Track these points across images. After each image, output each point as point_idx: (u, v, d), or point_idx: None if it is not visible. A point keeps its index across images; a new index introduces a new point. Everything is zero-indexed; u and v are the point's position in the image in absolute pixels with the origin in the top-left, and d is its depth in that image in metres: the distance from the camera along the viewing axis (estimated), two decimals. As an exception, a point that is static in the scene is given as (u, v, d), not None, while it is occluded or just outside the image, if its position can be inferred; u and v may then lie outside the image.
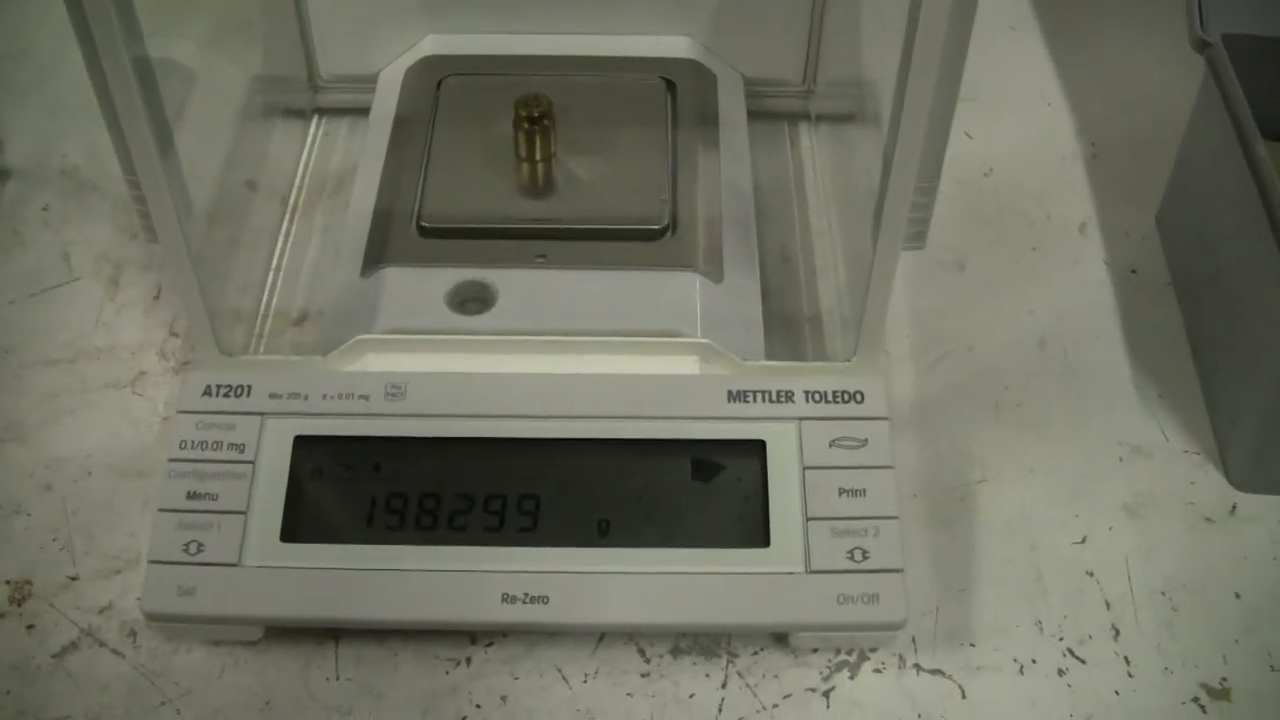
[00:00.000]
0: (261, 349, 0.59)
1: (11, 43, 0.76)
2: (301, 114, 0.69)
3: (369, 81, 0.67)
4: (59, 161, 0.70)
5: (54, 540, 0.54)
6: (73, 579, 0.53)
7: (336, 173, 0.67)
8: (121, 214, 0.67)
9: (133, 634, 0.51)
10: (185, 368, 0.59)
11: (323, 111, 0.70)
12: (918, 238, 0.50)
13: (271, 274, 0.62)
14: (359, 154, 0.64)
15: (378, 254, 0.56)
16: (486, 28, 0.65)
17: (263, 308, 0.61)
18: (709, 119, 0.62)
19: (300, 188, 0.67)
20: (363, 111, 0.66)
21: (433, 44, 0.66)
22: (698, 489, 0.49)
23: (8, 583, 0.53)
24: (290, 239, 0.64)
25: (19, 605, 0.52)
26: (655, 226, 0.56)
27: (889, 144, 0.46)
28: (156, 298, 0.63)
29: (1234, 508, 0.54)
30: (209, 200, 0.56)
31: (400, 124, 0.62)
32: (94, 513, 0.55)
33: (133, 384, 0.59)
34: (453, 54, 0.64)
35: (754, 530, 0.48)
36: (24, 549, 0.53)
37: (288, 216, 0.65)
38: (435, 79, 0.63)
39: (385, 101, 0.64)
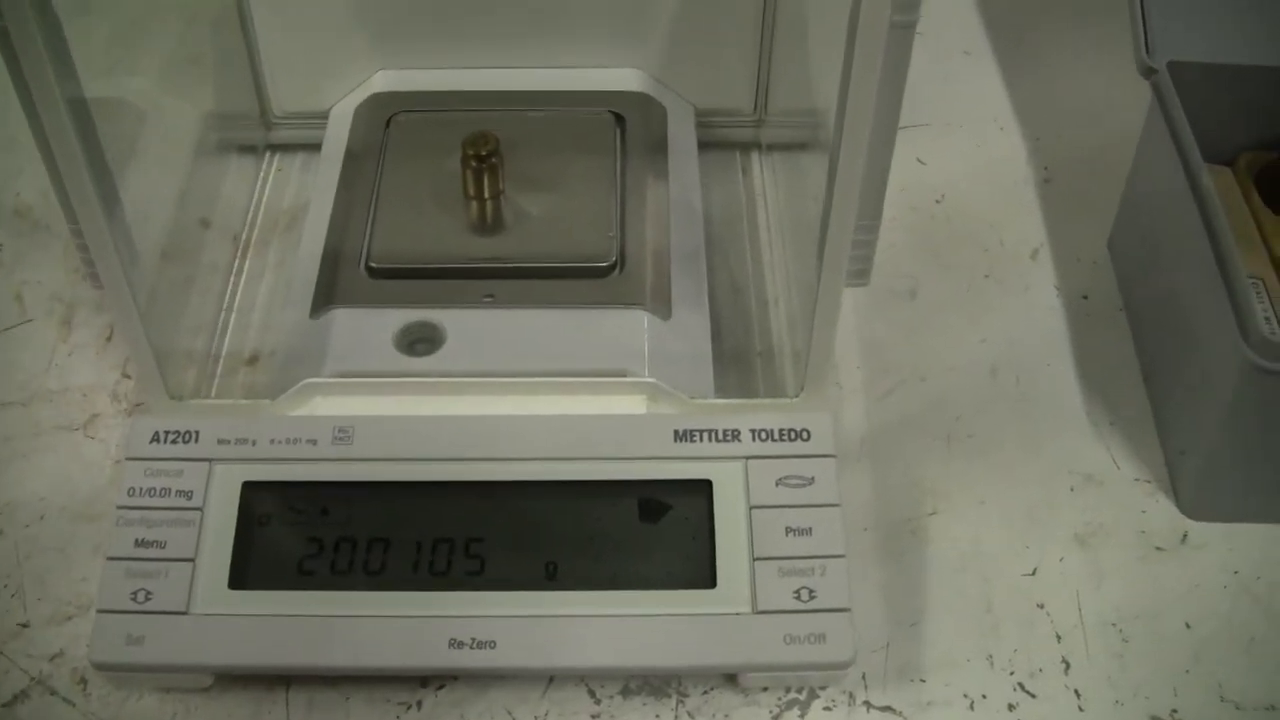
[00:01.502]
0: (214, 390, 0.59)
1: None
2: (254, 150, 0.69)
3: (321, 117, 0.67)
4: (12, 200, 0.69)
5: (4, 586, 0.54)
6: (23, 626, 0.52)
7: (289, 209, 0.67)
8: (73, 255, 0.66)
9: (84, 681, 0.51)
10: (138, 411, 0.59)
11: (275, 148, 0.70)
12: (861, 275, 0.50)
13: (223, 313, 0.62)
14: (310, 191, 0.64)
15: (327, 295, 0.56)
16: (436, 63, 0.65)
17: (214, 348, 0.61)
18: (659, 152, 0.62)
19: (253, 225, 0.67)
20: (315, 147, 0.66)
21: (383, 80, 0.66)
22: (645, 530, 0.49)
23: (-45, 639, 0.52)
24: (243, 277, 0.64)
25: (-28, 656, 0.52)
26: (603, 264, 0.56)
27: (829, 184, 0.46)
28: (109, 339, 0.63)
29: (1185, 536, 0.55)
30: (160, 239, 0.56)
31: (350, 162, 0.62)
32: (46, 558, 0.55)
33: (85, 426, 0.59)
34: (403, 90, 0.64)
35: (700, 571, 0.48)
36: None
37: (240, 254, 0.65)
38: (385, 116, 0.63)
39: (336, 138, 0.64)
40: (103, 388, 0.61)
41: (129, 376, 0.61)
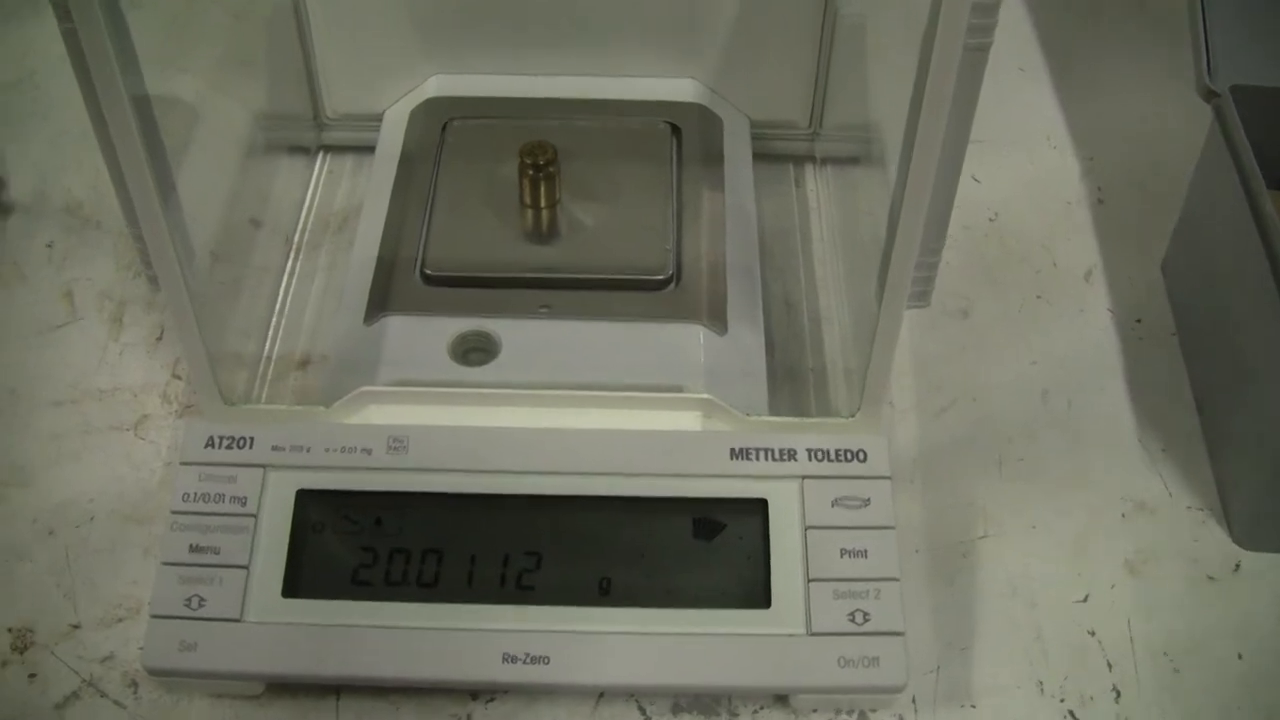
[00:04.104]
0: (264, 392, 0.59)
1: (12, 72, 0.76)
2: (306, 151, 0.69)
3: (374, 120, 0.67)
4: (62, 197, 0.70)
5: (57, 587, 0.54)
6: (75, 627, 0.53)
7: (341, 210, 0.67)
8: (124, 251, 0.67)
9: (134, 684, 0.51)
10: (188, 412, 0.59)
11: (327, 149, 0.70)
12: (922, 296, 0.50)
13: (275, 315, 0.62)
14: (363, 193, 0.64)
15: (381, 302, 0.56)
16: (491, 69, 0.65)
17: (266, 350, 0.61)
18: (714, 165, 0.62)
19: (304, 226, 0.67)
20: (367, 149, 0.67)
21: (438, 85, 0.66)
22: (699, 548, 0.49)
23: (10, 630, 0.53)
24: (294, 278, 0.64)
25: (21, 654, 0.52)
26: (659, 277, 0.56)
27: (893, 207, 0.46)
28: (159, 338, 0.63)
29: (1237, 566, 0.54)
30: (212, 239, 0.56)
31: (405, 167, 0.62)
32: (96, 560, 0.55)
33: (135, 427, 0.59)
34: (458, 95, 0.64)
35: (755, 591, 0.48)
36: (27, 596, 0.54)
37: (292, 255, 0.65)
38: (440, 121, 0.63)
39: (390, 142, 0.64)
40: (153, 388, 0.61)
41: (179, 377, 0.61)
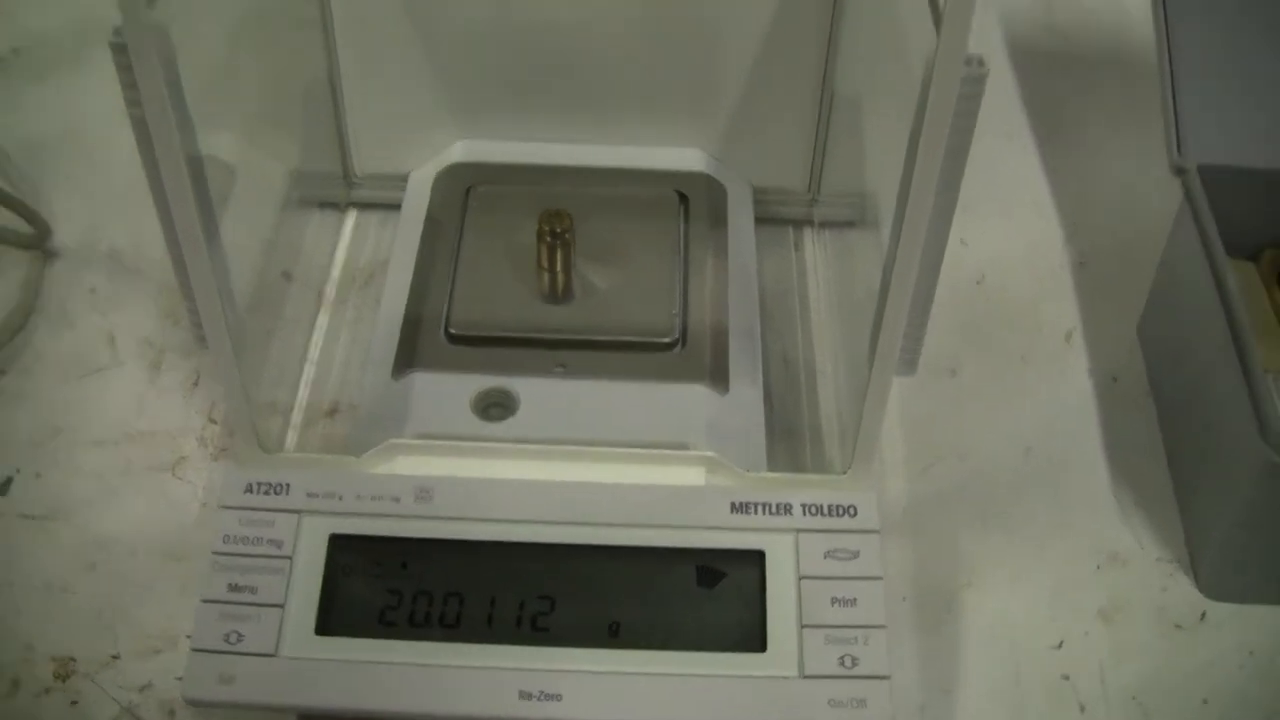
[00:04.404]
0: (295, 440, 0.63)
1: (58, 124, 0.81)
2: (336, 207, 0.73)
3: (400, 180, 0.71)
4: (105, 245, 0.74)
5: (98, 618, 0.58)
6: (114, 657, 0.56)
7: (367, 266, 0.72)
8: (164, 298, 0.71)
9: (171, 713, 0.55)
10: (223, 455, 0.63)
11: (356, 206, 0.74)
12: (910, 364, 0.54)
13: (305, 366, 0.66)
14: (389, 250, 0.68)
15: (408, 358, 0.60)
16: (512, 135, 0.69)
17: (297, 399, 0.65)
18: (719, 232, 0.66)
19: (333, 280, 0.71)
20: (393, 207, 0.71)
21: (462, 150, 0.70)
22: (701, 595, 0.53)
23: (53, 659, 0.56)
24: (323, 331, 0.68)
25: (63, 681, 0.56)
26: (666, 340, 0.60)
27: (884, 284, 0.50)
28: (195, 384, 0.67)
29: (1204, 615, 0.58)
30: (249, 291, 0.60)
31: (430, 229, 0.66)
32: (135, 593, 0.59)
33: (173, 468, 0.63)
34: (481, 162, 0.69)
35: (752, 636, 0.51)
36: (69, 626, 0.57)
37: (321, 308, 0.69)
38: (464, 186, 0.67)
39: (416, 204, 0.68)
40: (190, 431, 0.65)
41: (214, 421, 0.65)
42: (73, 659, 0.57)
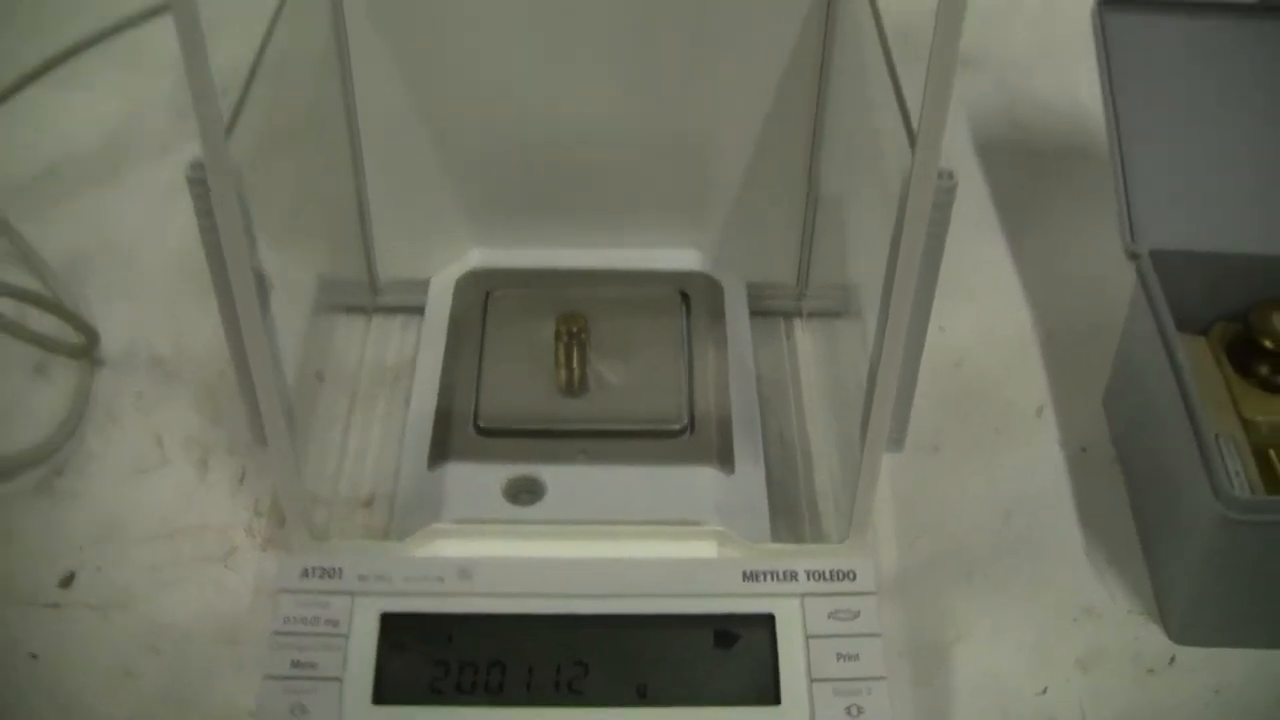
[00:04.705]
0: (337, 528, 0.69)
1: (101, 235, 0.87)
2: (363, 311, 0.80)
3: (421, 285, 0.77)
4: (147, 351, 0.79)
5: (164, 700, 0.63)
6: (181, 735, 0.62)
7: (394, 366, 0.77)
8: (205, 400, 0.76)
9: (241, 785, 0.60)
10: (270, 545, 0.69)
11: (381, 310, 0.80)
12: (897, 443, 0.60)
13: (343, 460, 0.72)
14: (415, 352, 0.74)
15: (442, 450, 0.66)
16: (524, 242, 0.76)
17: (338, 490, 0.71)
18: (718, 326, 0.72)
19: (362, 379, 0.77)
20: (414, 310, 0.77)
21: (479, 256, 0.76)
22: (719, 655, 0.58)
23: (127, 740, 0.62)
24: (357, 427, 0.74)
25: (139, 759, 0.61)
26: (676, 426, 0.66)
27: (870, 373, 0.56)
28: (241, 480, 0.72)
29: (1173, 659, 0.64)
30: (291, 392, 0.66)
31: (454, 330, 0.72)
32: (197, 675, 0.64)
33: (224, 559, 0.69)
34: (498, 267, 0.75)
35: (767, 691, 0.57)
36: (140, 707, 0.62)
37: (353, 406, 0.75)
38: (484, 290, 0.74)
39: (439, 307, 0.74)
40: (238, 524, 0.70)
41: (260, 514, 0.71)
42: (143, 739, 0.62)
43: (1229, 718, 0.62)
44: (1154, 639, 0.65)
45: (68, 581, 0.68)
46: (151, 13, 1.02)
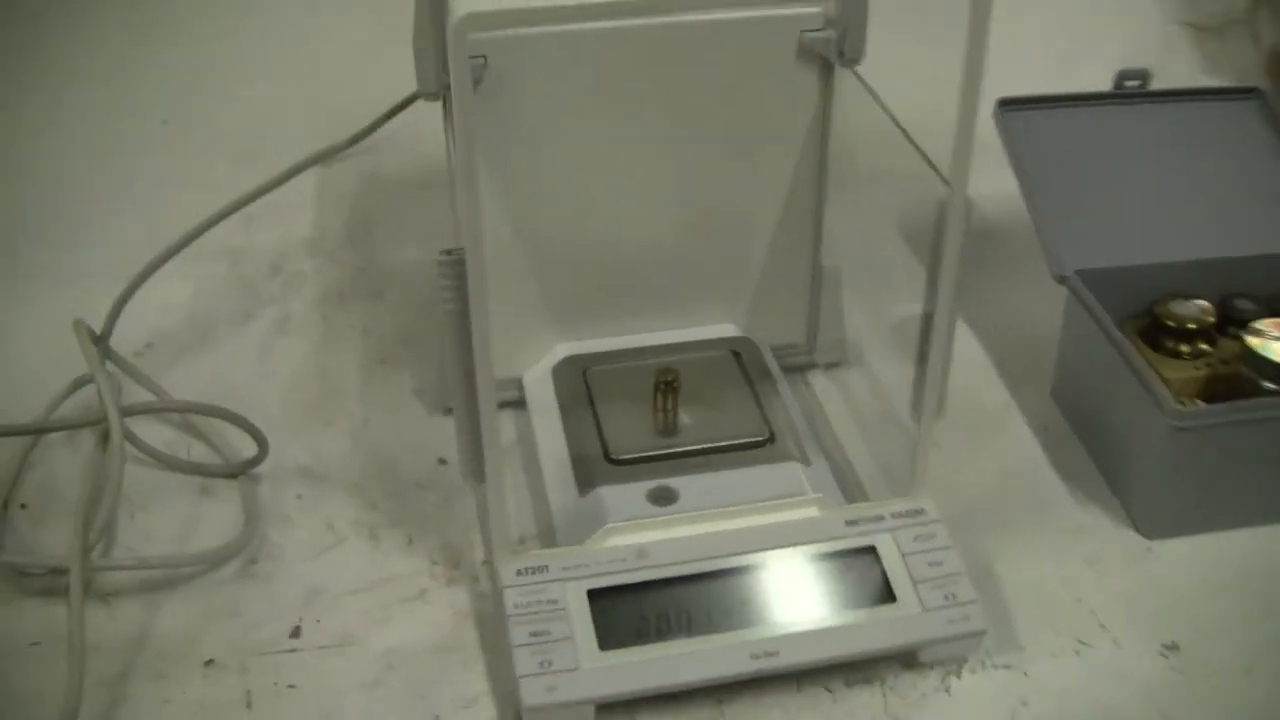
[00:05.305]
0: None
1: (222, 383, 1.05)
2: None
3: (512, 382, 0.97)
4: (293, 463, 0.98)
5: (412, 696, 0.79)
6: (437, 717, 0.79)
7: (505, 446, 0.97)
8: (356, 494, 0.95)
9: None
10: (452, 582, 0.86)
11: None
12: (941, 412, 0.83)
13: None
14: (528, 427, 0.94)
15: (589, 479, 0.85)
16: (598, 333, 0.97)
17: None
18: (765, 372, 0.95)
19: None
20: (507, 404, 0.97)
21: (564, 349, 0.97)
22: (846, 578, 0.79)
23: (400, 729, 0.79)
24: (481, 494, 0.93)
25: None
26: (762, 438, 0.88)
27: (919, 356, 0.79)
28: (410, 543, 0.91)
29: (1149, 549, 0.88)
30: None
31: (563, 401, 0.93)
32: (430, 677, 0.80)
33: (419, 597, 0.87)
34: (585, 353, 0.96)
35: (887, 593, 0.79)
36: (391, 705, 0.79)
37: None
38: (580, 369, 0.94)
39: (542, 390, 0.94)
40: (420, 572, 0.87)
41: (436, 563, 0.89)
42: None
43: (1190, 579, 0.86)
44: (1132, 539, 0.89)
45: (296, 633, 0.84)
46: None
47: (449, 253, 0.72)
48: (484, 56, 0.85)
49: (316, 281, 1.20)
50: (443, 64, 0.86)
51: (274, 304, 1.17)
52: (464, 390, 0.76)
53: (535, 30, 0.84)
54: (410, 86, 0.90)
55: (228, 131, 1.40)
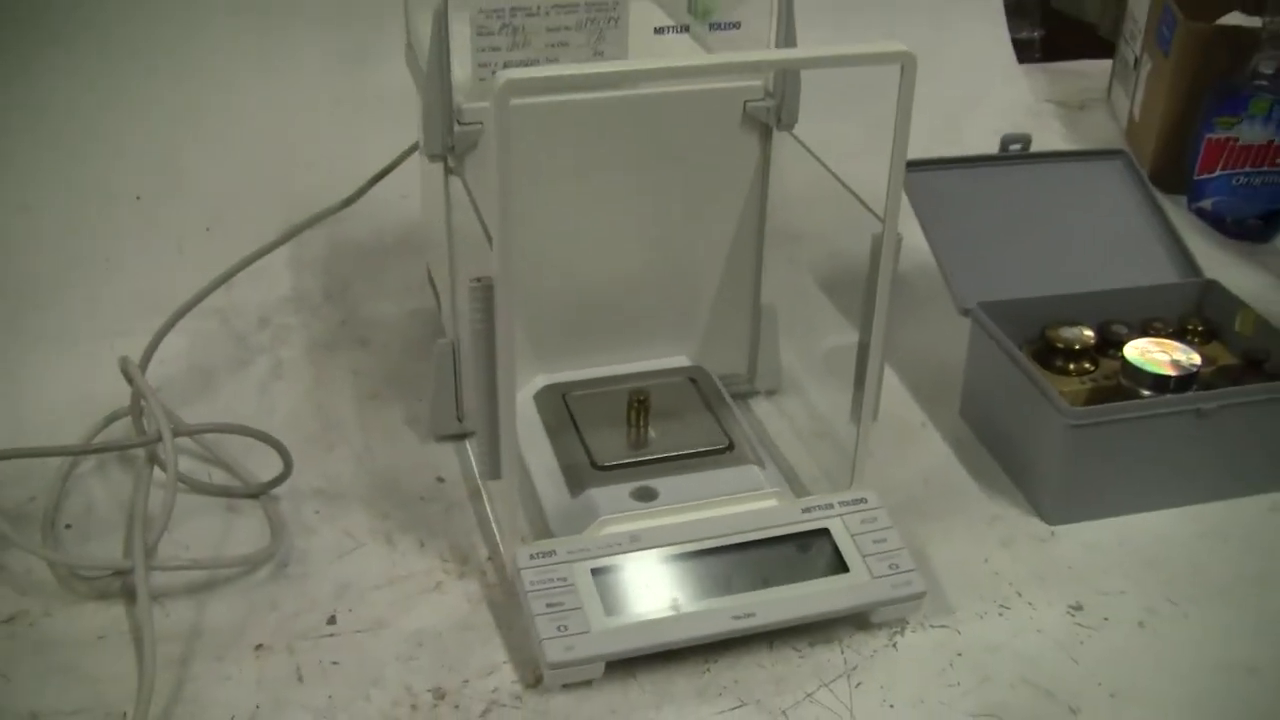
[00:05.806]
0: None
1: (233, 415, 1.18)
2: (451, 438, 1.14)
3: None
4: (307, 485, 1.10)
5: (442, 667, 0.93)
6: (465, 682, 0.93)
7: (496, 463, 1.12)
8: (369, 507, 1.08)
9: (518, 696, 0.91)
10: (464, 576, 1.00)
11: (465, 435, 1.15)
12: (875, 415, 1.00)
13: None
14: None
15: (579, 483, 0.99)
16: (571, 366, 1.12)
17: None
18: (718, 395, 1.10)
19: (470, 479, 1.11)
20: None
21: (543, 380, 1.12)
22: (804, 554, 0.95)
23: (430, 691, 0.91)
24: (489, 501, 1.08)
25: (442, 698, 0.91)
26: (723, 446, 1.04)
27: (859, 362, 0.96)
28: (422, 546, 1.04)
29: (1053, 533, 1.05)
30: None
31: (548, 422, 1.08)
32: (456, 650, 0.93)
33: (437, 589, 1.00)
34: (561, 381, 1.11)
35: (840, 565, 0.94)
36: (428, 667, 0.92)
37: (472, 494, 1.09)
38: (559, 395, 1.09)
39: (527, 413, 1.09)
40: (434, 569, 1.00)
41: (447, 560, 1.03)
42: (440, 689, 0.92)
43: (1087, 555, 1.03)
44: (1037, 525, 1.06)
45: (332, 620, 0.96)
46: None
47: (478, 280, 0.87)
48: (480, 123, 1.00)
49: (303, 333, 1.32)
50: (448, 128, 1.01)
51: (266, 353, 1.29)
52: (485, 397, 0.90)
53: (527, 101, 0.99)
54: (380, 152, 1.06)
55: (200, 201, 1.54)
